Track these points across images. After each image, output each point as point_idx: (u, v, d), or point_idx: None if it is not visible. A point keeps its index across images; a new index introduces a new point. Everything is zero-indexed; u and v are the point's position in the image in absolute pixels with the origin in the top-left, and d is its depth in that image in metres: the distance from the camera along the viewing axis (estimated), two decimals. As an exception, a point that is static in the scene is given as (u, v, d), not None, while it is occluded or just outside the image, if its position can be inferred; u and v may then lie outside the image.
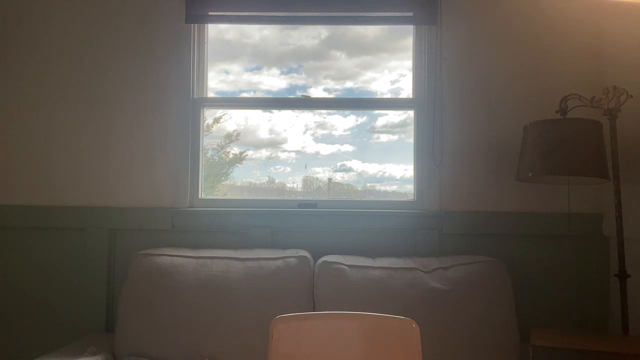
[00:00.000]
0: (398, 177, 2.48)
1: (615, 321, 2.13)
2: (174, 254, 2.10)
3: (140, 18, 2.39)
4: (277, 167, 2.52)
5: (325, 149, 2.51)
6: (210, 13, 2.37)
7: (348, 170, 2.50)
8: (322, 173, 2.50)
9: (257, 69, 2.50)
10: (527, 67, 2.32)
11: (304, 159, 2.51)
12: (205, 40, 2.47)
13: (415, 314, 1.82)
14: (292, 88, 2.49)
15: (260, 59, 2.52)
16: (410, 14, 2.36)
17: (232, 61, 2.52)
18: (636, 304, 1.98)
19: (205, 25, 2.46)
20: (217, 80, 2.51)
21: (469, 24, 2.35)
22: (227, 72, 2.48)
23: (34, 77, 2.40)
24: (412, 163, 2.41)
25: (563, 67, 2.32)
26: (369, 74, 2.50)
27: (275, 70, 2.50)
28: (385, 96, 2.51)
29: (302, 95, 2.47)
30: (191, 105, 2.38)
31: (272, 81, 2.50)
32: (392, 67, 2.50)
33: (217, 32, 2.51)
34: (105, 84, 2.38)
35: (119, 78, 2.38)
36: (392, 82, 2.51)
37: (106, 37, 2.39)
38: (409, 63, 2.46)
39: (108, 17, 2.40)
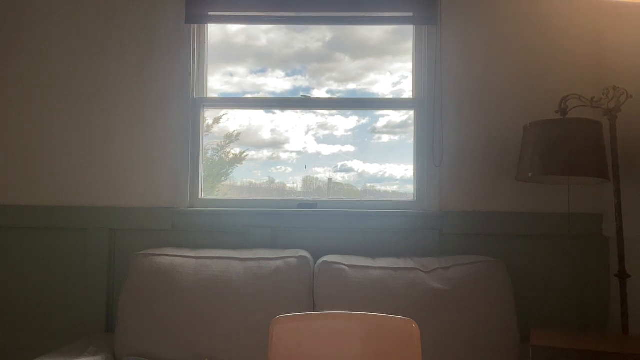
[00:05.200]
0: (398, 177, 2.48)
1: (615, 321, 2.13)
2: (174, 254, 2.10)
3: (140, 18, 2.39)
4: (278, 167, 2.53)
5: (327, 150, 2.51)
6: (210, 13, 2.37)
7: (349, 170, 2.51)
8: (322, 173, 2.50)
9: (262, 72, 2.51)
10: (527, 67, 2.32)
11: (305, 159, 2.51)
12: (206, 40, 2.47)
13: (415, 314, 1.82)
14: (296, 90, 2.50)
15: (265, 61, 2.52)
16: (411, 14, 2.36)
17: (238, 63, 2.53)
18: (636, 304, 1.98)
19: (206, 25, 2.46)
20: (222, 82, 2.51)
21: (469, 24, 2.35)
22: (231, 75, 2.49)
23: (34, 77, 2.40)
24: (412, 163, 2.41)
25: (563, 67, 2.32)
26: (372, 76, 2.51)
27: (279, 72, 2.50)
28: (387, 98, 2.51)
29: (302, 95, 2.47)
30: (191, 105, 2.38)
31: (276, 83, 2.51)
32: (394, 70, 2.50)
33: (225, 36, 2.52)
34: (105, 83, 2.39)
35: (119, 78, 2.38)
36: (394, 84, 2.51)
37: (106, 37, 2.39)
38: (411, 65, 2.46)
39: (108, 17, 2.40)
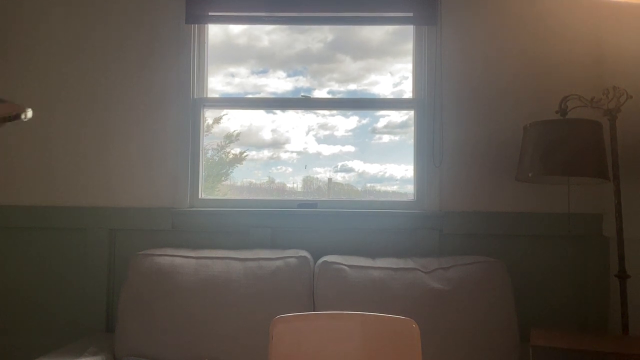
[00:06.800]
0: (399, 177, 2.48)
1: (615, 321, 2.13)
2: (174, 254, 2.10)
3: (141, 18, 2.39)
4: (278, 167, 2.53)
5: (327, 150, 2.51)
6: (210, 13, 2.38)
7: (349, 170, 2.51)
8: (323, 173, 2.50)
9: (263, 72, 2.51)
10: (527, 68, 2.33)
11: (306, 159, 2.51)
12: (206, 41, 2.47)
13: (415, 314, 1.81)
14: (297, 90, 2.50)
15: (267, 62, 2.52)
16: (411, 14, 2.36)
17: (240, 64, 2.53)
18: (636, 304, 1.98)
19: (206, 25, 2.46)
20: (223, 82, 2.51)
21: (469, 24, 2.35)
22: (233, 75, 2.49)
23: (34, 77, 2.40)
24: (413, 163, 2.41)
25: (563, 68, 2.32)
26: (373, 77, 2.51)
27: (281, 73, 2.50)
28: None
29: (302, 96, 2.47)
30: (191, 105, 2.38)
31: (278, 83, 2.51)
32: (395, 71, 2.50)
33: (227, 37, 2.52)
34: (105, 83, 2.39)
35: (119, 78, 2.38)
36: (395, 85, 2.51)
37: (106, 37, 2.39)
38: (411, 66, 2.46)
39: (108, 17, 2.40)
